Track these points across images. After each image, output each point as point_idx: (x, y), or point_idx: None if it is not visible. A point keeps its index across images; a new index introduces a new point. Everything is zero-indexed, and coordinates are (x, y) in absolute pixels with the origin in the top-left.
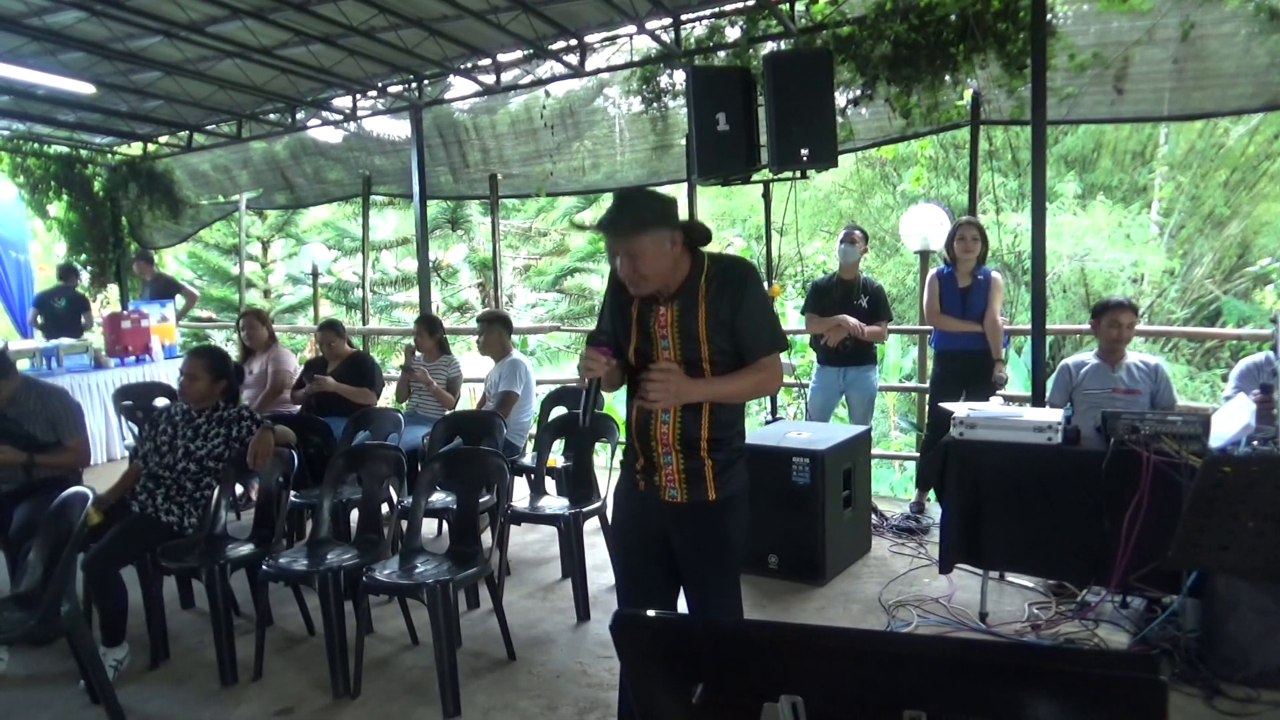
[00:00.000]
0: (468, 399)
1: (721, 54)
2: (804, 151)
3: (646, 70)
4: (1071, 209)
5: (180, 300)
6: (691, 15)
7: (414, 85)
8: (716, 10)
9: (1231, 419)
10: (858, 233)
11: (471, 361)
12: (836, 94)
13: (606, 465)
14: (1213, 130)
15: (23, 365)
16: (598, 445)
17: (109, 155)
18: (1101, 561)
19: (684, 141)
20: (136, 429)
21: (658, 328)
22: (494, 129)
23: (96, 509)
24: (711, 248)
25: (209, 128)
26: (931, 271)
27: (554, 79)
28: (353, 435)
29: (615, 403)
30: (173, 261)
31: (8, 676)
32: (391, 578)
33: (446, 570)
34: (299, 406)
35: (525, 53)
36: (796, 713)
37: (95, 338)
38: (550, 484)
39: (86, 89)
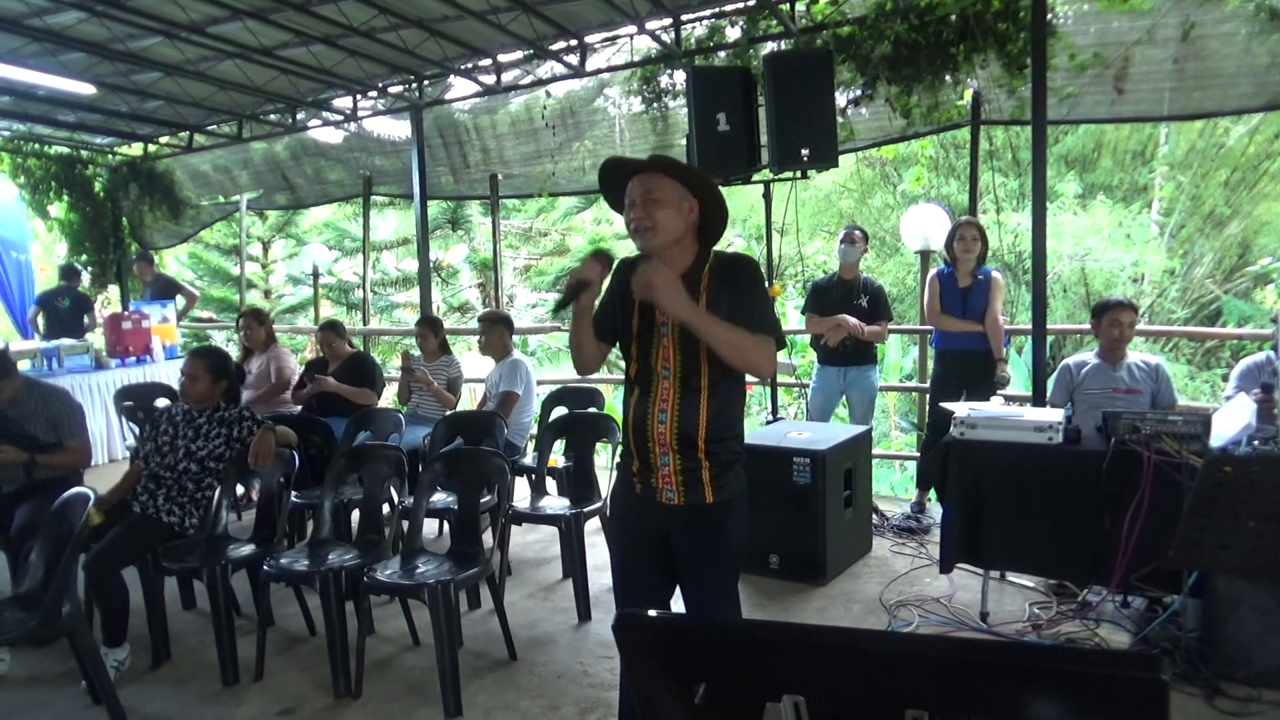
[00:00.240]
0: (468, 399)
1: (722, 54)
2: (804, 151)
3: (647, 70)
4: (1072, 209)
5: (181, 301)
6: (692, 15)
7: (414, 85)
8: (717, 10)
9: (1232, 419)
10: (858, 233)
11: (472, 362)
12: (837, 94)
13: (607, 465)
14: (1213, 130)
15: (23, 366)
16: (598, 445)
17: (109, 156)
18: (1102, 561)
19: (684, 141)
20: (137, 429)
21: (658, 315)
22: (494, 129)
23: (98, 510)
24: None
25: (209, 128)
26: (932, 271)
27: (554, 79)
28: (354, 435)
29: (615, 403)
30: (173, 262)
31: (9, 677)
32: (393, 578)
33: (448, 570)
34: (300, 407)
35: (525, 53)
36: (799, 712)
37: (96, 338)
38: (551, 484)
39: (87, 89)
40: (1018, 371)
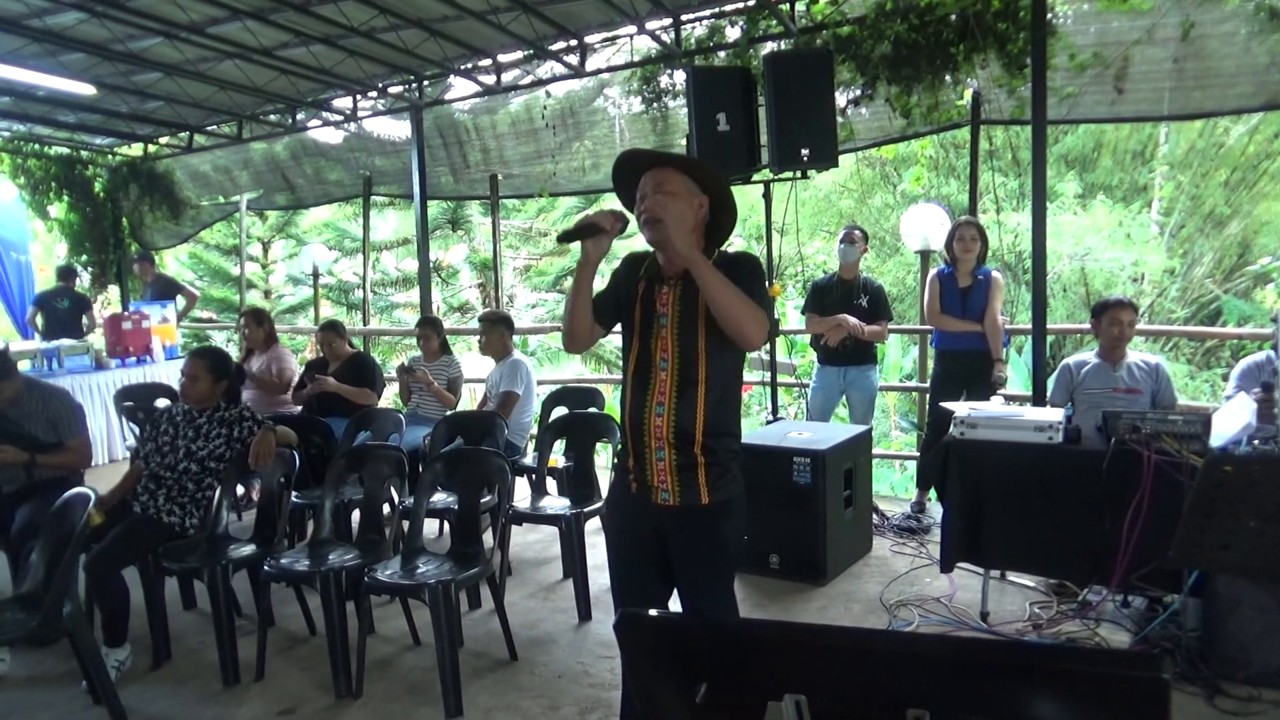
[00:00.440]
0: (468, 399)
1: (722, 54)
2: (804, 151)
3: (647, 70)
4: (1072, 208)
5: (181, 301)
6: (691, 15)
7: (414, 86)
8: (717, 10)
9: (1232, 418)
10: (858, 233)
11: (472, 362)
12: (837, 94)
13: (607, 465)
14: (1213, 129)
15: (24, 366)
16: (598, 445)
17: (109, 156)
18: (1103, 561)
19: (684, 142)
20: (138, 430)
21: (659, 305)
22: (494, 129)
23: (98, 510)
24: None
25: (209, 129)
26: (932, 271)
27: (554, 79)
28: (354, 436)
29: (615, 403)
30: (173, 262)
31: (10, 677)
32: (393, 578)
33: (448, 570)
34: (300, 407)
35: (525, 53)
36: (800, 712)
37: (96, 338)
38: (551, 484)
39: (87, 90)
40: (1017, 371)
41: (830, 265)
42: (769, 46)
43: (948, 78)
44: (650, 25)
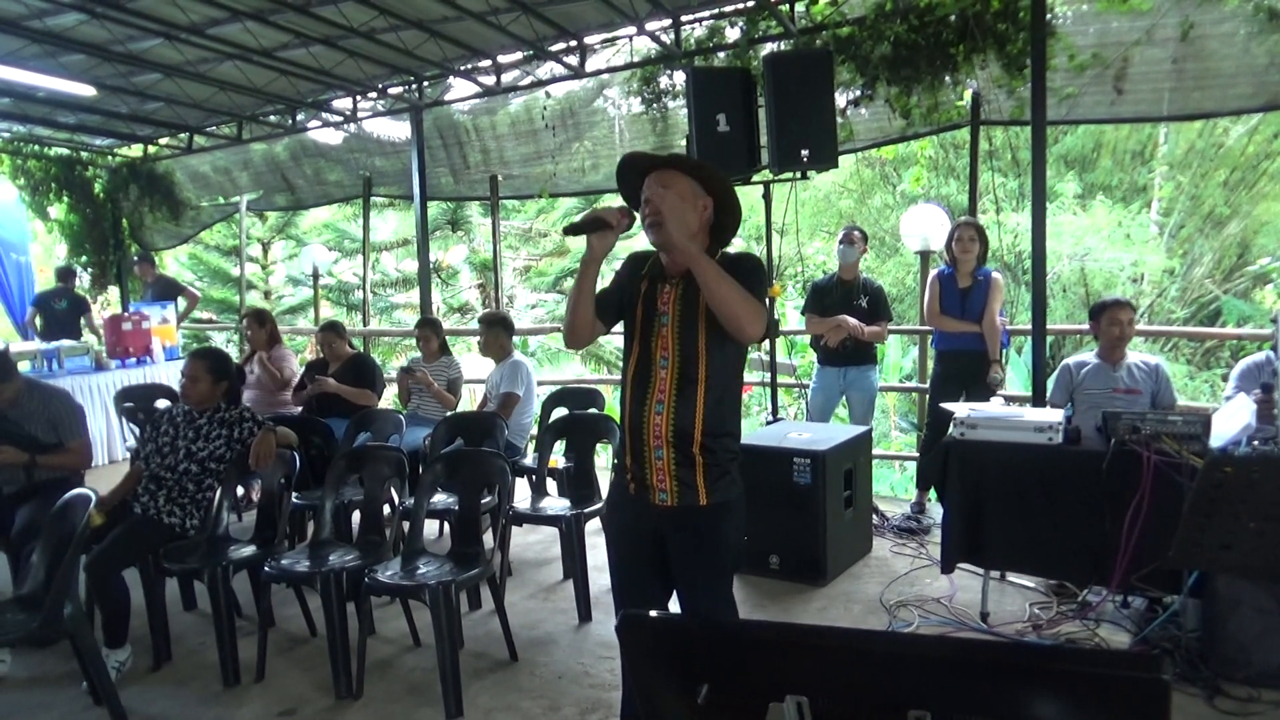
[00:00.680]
0: (468, 400)
1: (721, 55)
2: (804, 152)
3: (646, 71)
4: (1071, 209)
5: (182, 302)
6: (691, 16)
7: (414, 86)
8: (716, 11)
9: (1232, 419)
10: (857, 233)
11: (472, 363)
12: (836, 94)
13: (607, 466)
14: (1212, 130)
15: (24, 367)
16: (599, 446)
17: (109, 157)
18: (1102, 561)
19: (684, 142)
20: (138, 431)
21: (661, 304)
22: (494, 130)
23: (99, 511)
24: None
25: (209, 129)
26: (932, 272)
27: (554, 80)
28: (354, 436)
29: (616, 404)
30: (173, 263)
31: (10, 678)
32: (393, 579)
33: (448, 571)
34: (300, 408)
35: (525, 54)
36: (801, 712)
37: (92, 340)
38: (551, 485)
39: (87, 91)
40: (1017, 371)
41: (830, 266)
42: (769, 47)
43: (947, 78)
44: (650, 26)
